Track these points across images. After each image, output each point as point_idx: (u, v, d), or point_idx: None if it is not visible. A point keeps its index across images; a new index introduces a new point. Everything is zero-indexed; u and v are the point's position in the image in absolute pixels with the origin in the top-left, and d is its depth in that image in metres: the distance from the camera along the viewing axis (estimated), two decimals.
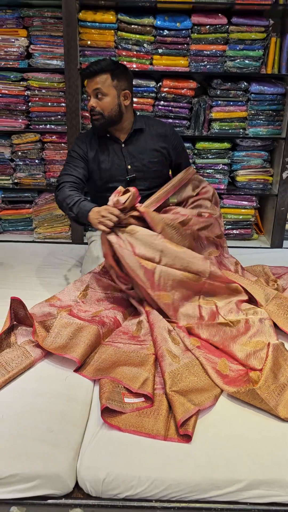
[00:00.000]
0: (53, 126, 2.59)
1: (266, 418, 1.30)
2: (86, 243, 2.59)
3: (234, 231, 2.82)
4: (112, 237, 1.67)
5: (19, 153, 2.64)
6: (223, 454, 1.18)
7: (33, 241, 2.76)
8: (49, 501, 1.14)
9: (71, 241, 2.76)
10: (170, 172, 2.18)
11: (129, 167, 2.01)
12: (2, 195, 2.73)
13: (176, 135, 2.09)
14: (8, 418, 1.27)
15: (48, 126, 2.59)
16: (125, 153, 1.99)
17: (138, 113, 2.07)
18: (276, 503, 1.13)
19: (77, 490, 1.16)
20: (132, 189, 1.70)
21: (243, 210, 2.78)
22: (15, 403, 1.33)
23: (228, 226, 2.81)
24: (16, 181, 2.70)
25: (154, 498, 1.13)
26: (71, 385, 1.41)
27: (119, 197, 1.69)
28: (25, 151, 2.63)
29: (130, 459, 1.16)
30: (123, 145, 1.99)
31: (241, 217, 2.80)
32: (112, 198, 1.71)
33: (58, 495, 1.14)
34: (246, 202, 2.77)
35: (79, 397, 1.37)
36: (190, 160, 2.61)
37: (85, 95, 2.51)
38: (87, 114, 2.52)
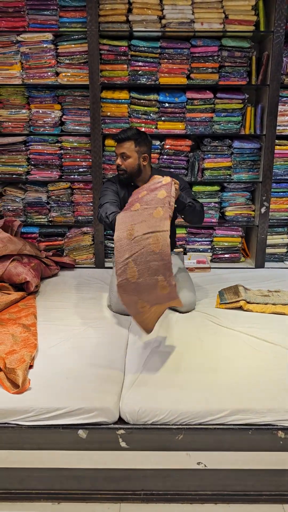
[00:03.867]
0: (80, 177, 3.30)
1: (242, 371, 1.94)
2: (107, 267, 3.27)
3: (226, 255, 3.49)
4: None
5: (53, 197, 3.33)
6: (215, 393, 1.80)
7: (63, 267, 3.42)
8: (102, 426, 1.75)
9: (94, 266, 3.41)
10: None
11: None
12: (39, 231, 3.42)
13: (181, 180, 2.62)
14: (71, 369, 1.92)
15: (76, 177, 3.30)
16: None
17: (153, 166, 2.72)
18: (249, 424, 1.74)
19: (120, 419, 1.78)
20: None
21: (232, 238, 3.46)
22: (72, 353, 2.04)
23: (220, 251, 3.48)
24: (50, 219, 3.39)
25: (171, 423, 1.74)
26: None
27: None
28: (58, 195, 3.33)
29: (155, 398, 1.78)
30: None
31: (230, 244, 3.47)
32: None
33: (108, 422, 1.75)
34: (234, 232, 3.45)
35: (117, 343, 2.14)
36: None
37: (106, 153, 3.23)
38: (107, 167, 3.26)
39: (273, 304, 2.63)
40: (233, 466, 1.77)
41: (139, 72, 3.08)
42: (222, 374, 1.94)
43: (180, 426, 1.74)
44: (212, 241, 3.46)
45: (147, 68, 3.07)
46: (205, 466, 1.76)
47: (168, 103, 3.14)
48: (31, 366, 2.00)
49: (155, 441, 1.75)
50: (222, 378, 1.91)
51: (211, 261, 3.46)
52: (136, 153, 2.52)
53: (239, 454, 1.75)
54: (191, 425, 1.74)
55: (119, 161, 2.55)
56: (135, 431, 1.74)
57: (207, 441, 1.74)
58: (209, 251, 3.48)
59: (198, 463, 1.76)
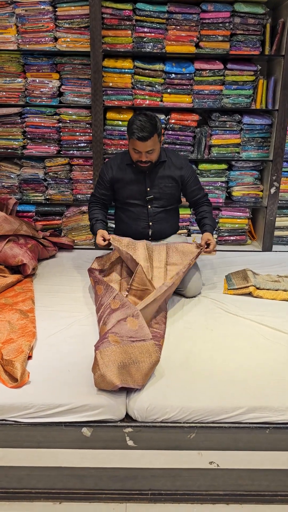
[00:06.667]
0: (79, 152, 3.10)
1: (257, 364, 1.81)
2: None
3: (231, 238, 3.34)
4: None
5: (51, 174, 3.14)
6: (229, 389, 1.67)
7: (61, 248, 3.24)
8: (109, 423, 1.62)
9: (94, 247, 3.24)
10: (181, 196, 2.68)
11: (148, 189, 2.51)
12: (36, 209, 3.23)
13: (189, 168, 2.54)
14: (74, 361, 1.78)
15: (75, 152, 3.10)
16: (147, 179, 2.50)
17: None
18: (267, 422, 1.62)
19: (127, 417, 1.65)
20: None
21: (238, 220, 3.30)
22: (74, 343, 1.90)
23: (225, 234, 3.33)
24: (47, 197, 3.20)
25: (182, 421, 1.62)
26: None
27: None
28: (56, 172, 3.13)
29: (165, 394, 1.65)
30: (147, 172, 2.49)
31: (236, 225, 3.31)
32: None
33: (115, 420, 1.62)
34: (241, 213, 3.29)
35: None
36: None
37: (107, 127, 3.03)
38: (108, 142, 3.06)
39: (284, 290, 2.50)
40: (247, 466, 1.65)
41: (144, 39, 2.85)
42: (236, 367, 1.81)
43: (192, 424, 1.61)
44: (217, 222, 3.30)
45: (153, 35, 2.85)
46: (218, 465, 1.65)
47: (175, 73, 2.92)
48: (29, 357, 1.85)
49: (165, 440, 1.62)
50: (236, 372, 1.78)
51: (216, 243, 3.30)
52: (159, 142, 2.40)
53: (255, 453, 1.64)
54: (204, 423, 1.62)
55: (144, 157, 2.36)
56: (143, 429, 1.62)
57: (220, 440, 1.62)
58: (214, 233, 3.32)
59: (211, 463, 1.65)
